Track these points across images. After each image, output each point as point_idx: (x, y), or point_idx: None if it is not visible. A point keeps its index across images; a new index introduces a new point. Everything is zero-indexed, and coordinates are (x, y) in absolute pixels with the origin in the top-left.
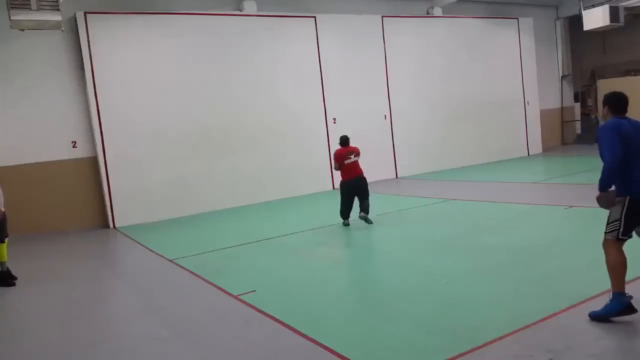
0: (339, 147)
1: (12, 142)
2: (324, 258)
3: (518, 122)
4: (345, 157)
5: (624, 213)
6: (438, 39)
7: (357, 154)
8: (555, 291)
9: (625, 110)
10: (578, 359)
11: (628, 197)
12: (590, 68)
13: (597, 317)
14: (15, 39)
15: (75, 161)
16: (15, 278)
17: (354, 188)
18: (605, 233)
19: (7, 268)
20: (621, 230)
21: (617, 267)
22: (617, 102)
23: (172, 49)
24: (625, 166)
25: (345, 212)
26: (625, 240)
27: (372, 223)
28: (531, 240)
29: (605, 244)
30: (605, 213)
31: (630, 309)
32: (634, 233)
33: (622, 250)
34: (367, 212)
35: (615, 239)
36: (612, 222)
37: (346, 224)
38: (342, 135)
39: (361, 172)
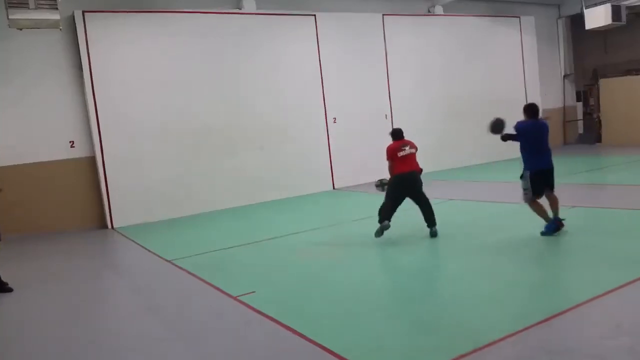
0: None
1: (10, 142)
2: (324, 258)
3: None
4: (398, 149)
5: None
6: (439, 37)
7: (413, 146)
8: (556, 292)
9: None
10: (578, 359)
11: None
12: (592, 67)
13: (546, 234)
14: (13, 38)
15: (73, 161)
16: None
17: (406, 184)
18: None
19: None
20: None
21: (541, 210)
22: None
23: (170, 48)
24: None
25: (388, 212)
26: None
27: (437, 236)
28: (531, 240)
29: (530, 204)
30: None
31: (562, 224)
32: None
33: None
34: (434, 224)
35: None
36: (526, 189)
37: (386, 227)
38: (394, 128)
39: (417, 167)
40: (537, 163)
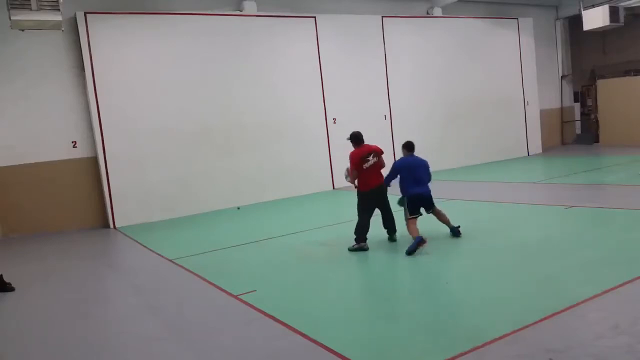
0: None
1: (12, 142)
2: (324, 258)
3: (518, 122)
4: (363, 159)
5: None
6: (438, 39)
7: (378, 151)
8: (555, 291)
9: (413, 151)
10: (578, 359)
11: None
12: (590, 68)
13: (410, 252)
14: (15, 39)
15: (75, 161)
16: (11, 286)
17: (375, 197)
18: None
19: (1, 275)
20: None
21: (414, 230)
22: (407, 145)
23: (172, 49)
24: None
25: (363, 232)
26: (417, 217)
27: (396, 241)
28: (531, 240)
29: (408, 222)
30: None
31: (424, 241)
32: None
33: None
34: (394, 231)
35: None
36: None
37: (365, 248)
38: (354, 132)
39: (381, 179)
40: (413, 189)
